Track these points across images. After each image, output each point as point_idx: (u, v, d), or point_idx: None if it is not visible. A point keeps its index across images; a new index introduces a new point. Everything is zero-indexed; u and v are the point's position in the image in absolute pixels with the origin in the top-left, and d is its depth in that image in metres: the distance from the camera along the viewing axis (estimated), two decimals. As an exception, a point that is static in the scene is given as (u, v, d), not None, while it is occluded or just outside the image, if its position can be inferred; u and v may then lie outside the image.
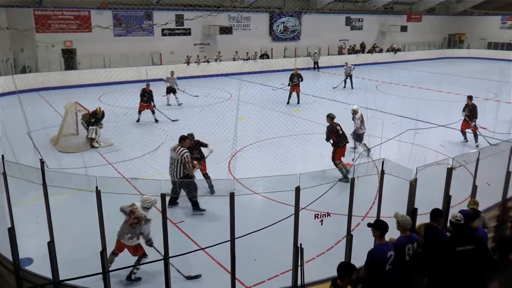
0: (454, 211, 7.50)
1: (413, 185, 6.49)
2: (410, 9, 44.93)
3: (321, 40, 36.71)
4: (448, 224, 6.61)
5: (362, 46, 40.17)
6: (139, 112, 17.33)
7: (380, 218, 6.15)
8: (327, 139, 11.95)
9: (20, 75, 23.41)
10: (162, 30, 29.52)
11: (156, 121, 17.31)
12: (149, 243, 6.89)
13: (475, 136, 14.50)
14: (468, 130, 14.82)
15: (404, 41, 42.17)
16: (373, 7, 41.11)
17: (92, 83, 23.43)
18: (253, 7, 33.81)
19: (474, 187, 7.88)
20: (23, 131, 13.44)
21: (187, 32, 31.23)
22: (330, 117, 12.12)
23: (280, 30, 35.86)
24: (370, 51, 40.11)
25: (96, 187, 5.45)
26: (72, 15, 26.44)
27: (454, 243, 6.03)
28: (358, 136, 13.69)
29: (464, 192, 8.43)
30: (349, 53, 38.51)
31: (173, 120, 17.47)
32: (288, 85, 21.14)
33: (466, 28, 47.62)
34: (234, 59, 31.86)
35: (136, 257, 6.94)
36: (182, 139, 9.68)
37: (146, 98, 17.14)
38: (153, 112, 17.38)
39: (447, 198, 7.17)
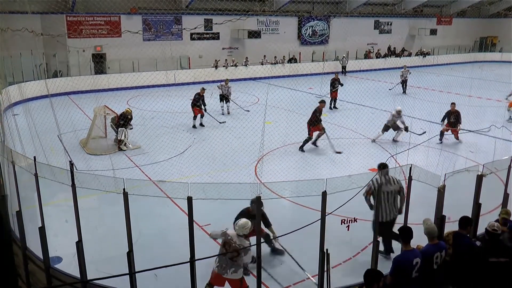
0: (484, 220, 7.36)
1: (441, 191, 6.36)
2: (440, 12, 44.18)
3: (349, 44, 36.40)
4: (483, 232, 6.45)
5: (390, 50, 39.69)
6: (195, 117, 17.35)
7: (407, 225, 6.06)
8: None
9: (52, 79, 24.02)
10: (191, 34, 29.82)
11: (202, 125, 17.41)
12: (245, 272, 6.37)
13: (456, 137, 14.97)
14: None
15: (433, 44, 41.48)
16: (403, 10, 40.60)
17: (121, 87, 23.79)
18: (282, 11, 33.83)
19: (506, 196, 7.67)
20: (54, 134, 13.74)
21: (216, 36, 31.47)
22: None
23: (309, 34, 35.78)
24: (398, 55, 39.61)
25: (124, 189, 5.53)
26: (103, 20, 26.99)
27: (487, 253, 5.85)
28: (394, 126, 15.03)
29: (494, 200, 8.22)
30: (376, 57, 38.12)
31: (220, 122, 17.77)
32: (331, 91, 21.15)
33: (498, 31, 46.47)
34: (262, 63, 31.94)
35: None
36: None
37: (200, 103, 17.30)
38: (202, 116, 17.46)
39: (476, 206, 7.00)
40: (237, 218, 6.93)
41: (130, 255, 5.79)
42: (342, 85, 21.21)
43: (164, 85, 25.92)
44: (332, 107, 21.02)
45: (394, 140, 15.08)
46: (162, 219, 9.24)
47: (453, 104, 15.11)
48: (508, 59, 43.03)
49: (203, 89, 17.68)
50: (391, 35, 40.61)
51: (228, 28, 30.16)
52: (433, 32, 40.99)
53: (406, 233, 5.53)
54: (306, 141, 14.16)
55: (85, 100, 20.89)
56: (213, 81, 28.33)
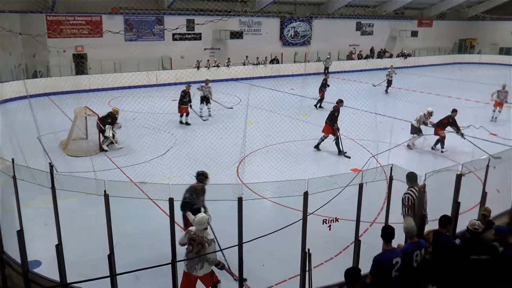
0: (463, 218, 7.47)
1: (421, 191, 6.45)
2: (421, 14, 44.76)
3: (331, 45, 36.67)
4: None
5: (372, 51, 40.07)
6: (181, 115, 17.76)
7: (389, 224, 6.11)
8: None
9: (32, 80, 23.69)
10: (173, 34, 29.69)
11: (188, 124, 17.69)
12: (220, 266, 6.31)
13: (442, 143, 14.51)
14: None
15: (414, 46, 41.99)
16: (384, 12, 41.04)
17: (102, 88, 23.54)
18: (264, 12, 33.89)
19: (484, 194, 7.81)
20: (33, 135, 13.55)
21: (198, 37, 31.38)
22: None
23: (291, 35, 35.90)
24: (380, 56, 40.02)
25: (105, 191, 5.48)
26: (84, 20, 26.68)
27: (468, 251, 5.95)
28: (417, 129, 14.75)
29: (473, 199, 8.36)
30: (358, 58, 38.44)
31: (228, 108, 18.74)
32: (323, 91, 21.38)
33: (477, 33, 47.30)
34: (244, 64, 31.96)
35: None
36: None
37: (187, 100, 17.55)
38: (188, 114, 17.76)
39: (456, 205, 7.11)
40: (184, 195, 7.19)
41: (111, 257, 5.74)
42: (328, 86, 21.47)
43: (145, 86, 25.75)
44: (319, 106, 21.33)
45: (409, 146, 14.86)
46: (143, 221, 9.16)
47: (455, 111, 14.56)
48: (486, 60, 43.86)
49: (189, 86, 17.88)
50: (372, 36, 40.98)
51: (210, 29, 30.11)
52: (414, 34, 41.52)
53: (388, 233, 5.57)
54: (337, 142, 14.05)
55: (66, 101, 20.62)
56: (195, 82, 28.22)
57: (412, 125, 14.76)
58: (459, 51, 46.90)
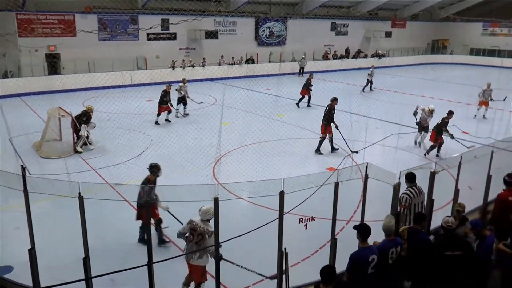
0: (437, 215, 7.62)
1: (396, 189, 6.54)
2: (394, 15, 45.39)
3: (307, 45, 36.88)
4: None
5: (347, 51, 40.46)
6: (159, 114, 17.77)
7: (365, 222, 6.18)
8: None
9: (2, 80, 23.16)
10: (148, 34, 29.40)
11: (169, 121, 17.93)
12: (217, 258, 6.36)
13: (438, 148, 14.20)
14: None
15: (388, 46, 42.60)
16: (358, 13, 41.47)
17: (76, 88, 23.20)
18: (238, 11, 33.87)
19: (457, 191, 7.97)
20: (4, 137, 13.26)
21: (173, 37, 31.16)
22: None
23: (266, 35, 35.96)
24: (354, 56, 40.44)
25: (79, 193, 5.39)
26: (56, 19, 26.19)
27: (443, 247, 6.08)
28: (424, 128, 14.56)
29: (446, 196, 8.51)
30: (334, 59, 38.76)
31: (198, 103, 19.23)
32: (307, 89, 21.70)
33: (449, 34, 48.29)
34: (219, 64, 31.89)
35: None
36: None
37: (168, 99, 17.65)
38: (170, 112, 17.94)
39: (430, 202, 7.24)
40: (141, 187, 7.59)
41: (86, 260, 5.66)
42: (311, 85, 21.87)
43: (120, 86, 25.48)
44: (297, 103, 21.63)
45: (418, 143, 14.90)
46: (119, 223, 9.07)
47: (451, 113, 14.32)
48: (458, 61, 44.81)
49: (169, 85, 17.97)
50: (347, 36, 41.40)
51: (185, 29, 29.95)
52: (388, 34, 42.11)
53: (364, 230, 5.63)
54: (321, 142, 14.16)
55: (38, 102, 20.24)
56: (170, 82, 28.04)
57: (419, 124, 14.74)
58: (432, 51, 47.80)
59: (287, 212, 5.72)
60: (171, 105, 17.94)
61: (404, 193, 7.19)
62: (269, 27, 35.97)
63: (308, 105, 21.45)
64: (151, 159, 12.66)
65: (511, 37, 44.30)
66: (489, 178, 8.53)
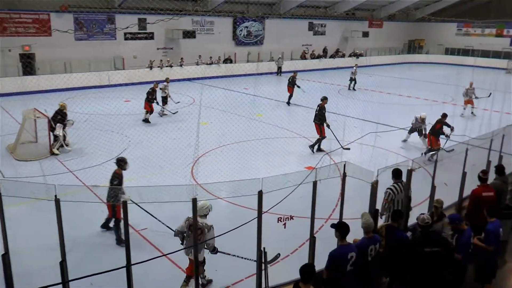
0: (414, 212, 7.74)
1: (374, 187, 6.60)
2: (371, 16, 45.88)
3: (284, 45, 37.03)
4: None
5: (325, 51, 40.73)
6: (149, 112, 17.96)
7: (343, 220, 6.23)
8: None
9: (-26, 81, 22.67)
10: (125, 34, 29.11)
11: (148, 121, 17.98)
12: (215, 251, 6.71)
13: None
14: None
15: (366, 46, 43.02)
16: (335, 13, 41.79)
17: (52, 89, 22.83)
18: (216, 11, 33.80)
19: (433, 188, 8.09)
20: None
21: (150, 36, 30.91)
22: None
23: (244, 35, 35.96)
24: (332, 56, 40.73)
25: (55, 196, 5.31)
26: (31, 18, 25.67)
27: (421, 244, 6.20)
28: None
29: (423, 193, 8.65)
30: (312, 58, 38.98)
31: (176, 102, 19.35)
32: (292, 86, 22.19)
33: (425, 34, 49.06)
34: (197, 64, 31.76)
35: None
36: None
37: (154, 97, 17.88)
38: (152, 112, 18.09)
39: (407, 199, 7.33)
40: (111, 182, 8.36)
41: (63, 264, 5.57)
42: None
43: (97, 87, 25.18)
44: (288, 102, 22.16)
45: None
46: (97, 225, 8.98)
47: (445, 116, 14.19)
48: (433, 60, 45.58)
49: (157, 83, 18.39)
50: (325, 36, 41.68)
51: (162, 28, 29.74)
52: (365, 34, 42.59)
53: (342, 228, 5.69)
54: (319, 141, 14.33)
55: (13, 103, 19.88)
56: (148, 82, 27.83)
57: (418, 129, 14.94)
58: (409, 51, 48.48)
59: (266, 212, 5.73)
60: (157, 103, 18.16)
61: (388, 189, 7.33)
62: (247, 27, 35.99)
63: (288, 103, 21.64)
64: (129, 160, 12.56)
65: (484, 37, 45.28)
66: (464, 175, 8.69)
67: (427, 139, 14.15)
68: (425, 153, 13.78)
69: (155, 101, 17.99)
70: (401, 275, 6.48)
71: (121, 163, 8.86)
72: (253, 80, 27.50)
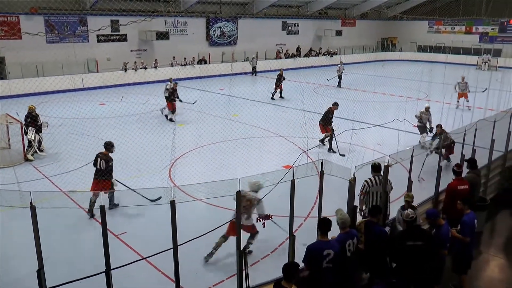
0: (392, 207, 7.86)
1: (352, 183, 6.67)
2: (344, 14, 46.29)
3: (258, 44, 37.10)
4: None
5: (298, 50, 40.93)
6: (172, 111, 18.48)
7: (323, 217, 6.29)
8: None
9: None
10: (98, 36, 28.76)
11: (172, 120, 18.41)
12: (267, 217, 6.96)
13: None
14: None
15: (339, 44, 43.38)
16: (308, 12, 42.04)
17: (24, 93, 22.41)
18: (188, 12, 33.65)
19: (410, 183, 8.24)
20: None
21: (123, 38, 30.57)
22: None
23: (217, 35, 35.89)
24: (306, 55, 40.97)
25: (31, 203, 5.21)
26: (-1, 20, 25.13)
27: (405, 238, 6.37)
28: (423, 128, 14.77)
29: (401, 188, 8.77)
30: (286, 57, 39.12)
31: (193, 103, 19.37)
32: (277, 84, 23.08)
33: (397, 32, 49.82)
34: (172, 65, 31.55)
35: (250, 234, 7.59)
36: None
37: (177, 95, 18.53)
38: (174, 111, 18.58)
39: (385, 195, 7.44)
40: (107, 162, 9.76)
41: (40, 272, 5.47)
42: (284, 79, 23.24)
43: (71, 90, 24.74)
44: (280, 96, 23.26)
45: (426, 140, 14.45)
46: (75, 231, 8.86)
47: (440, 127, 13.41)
48: (406, 58, 46.32)
49: (176, 83, 18.93)
50: (299, 35, 41.91)
51: (135, 30, 29.50)
52: (339, 33, 42.93)
53: (324, 224, 5.75)
54: (329, 139, 14.59)
55: (-17, 109, 19.43)
56: (122, 85, 27.58)
57: (419, 126, 15.12)
58: (382, 49, 49.15)
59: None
60: (180, 101, 18.66)
61: (365, 181, 7.47)
62: (220, 27, 35.93)
63: (272, 98, 22.46)
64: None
65: (454, 34, 46.29)
66: (439, 169, 8.85)
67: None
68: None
69: (177, 99, 18.54)
70: (381, 270, 6.58)
71: (109, 146, 10.02)
72: (228, 80, 27.46)
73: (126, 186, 9.72)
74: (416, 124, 15.25)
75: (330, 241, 5.80)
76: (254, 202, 7.26)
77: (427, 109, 15.10)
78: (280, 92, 23.65)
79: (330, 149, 14.46)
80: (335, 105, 14.77)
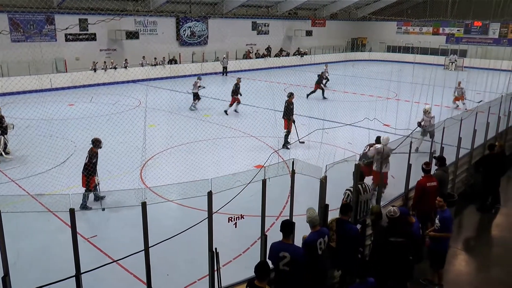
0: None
1: (323, 182, 6.72)
2: (314, 15, 46.65)
3: (228, 44, 37.09)
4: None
5: (268, 50, 41.06)
6: (231, 104, 19.76)
7: (294, 216, 6.34)
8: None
9: None
10: (66, 35, 28.22)
11: (236, 111, 19.97)
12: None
13: None
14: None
15: (310, 45, 43.74)
16: (277, 13, 42.23)
17: (-12, 94, 21.85)
18: (158, 11, 33.36)
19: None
20: None
21: (92, 37, 30.08)
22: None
23: (187, 35, 35.69)
24: (277, 55, 41.15)
25: (-5, 207, 5.08)
26: (-41, 19, 24.35)
27: (387, 234, 6.55)
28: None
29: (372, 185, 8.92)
30: (256, 57, 39.21)
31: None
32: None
33: (367, 33, 50.53)
34: (142, 65, 31.21)
35: None
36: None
37: (238, 91, 19.74)
38: (239, 103, 19.98)
39: (356, 193, 7.53)
40: (90, 159, 9.98)
41: (5, 279, 5.33)
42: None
43: (38, 91, 24.20)
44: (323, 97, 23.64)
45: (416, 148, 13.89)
46: (43, 235, 8.67)
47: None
48: (376, 58, 47.03)
49: (239, 78, 20.27)
50: (269, 36, 42.03)
51: (105, 29, 29.07)
52: (309, 33, 43.27)
53: (285, 227, 5.80)
54: (286, 137, 14.70)
55: None
56: (91, 85, 27.15)
57: (422, 127, 14.78)
58: (352, 49, 49.72)
59: (216, 212, 5.73)
60: (240, 94, 19.81)
61: (347, 189, 7.57)
62: (190, 27, 35.74)
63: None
64: (76, 166, 12.24)
65: (422, 35, 47.28)
66: (409, 167, 9.00)
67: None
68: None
69: (240, 95, 19.77)
70: (353, 267, 6.66)
71: (96, 142, 10.29)
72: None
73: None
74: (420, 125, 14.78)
75: (291, 245, 5.81)
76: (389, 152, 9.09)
77: (426, 111, 14.85)
78: (323, 92, 24.03)
79: (285, 145, 14.64)
80: (292, 95, 15.03)
